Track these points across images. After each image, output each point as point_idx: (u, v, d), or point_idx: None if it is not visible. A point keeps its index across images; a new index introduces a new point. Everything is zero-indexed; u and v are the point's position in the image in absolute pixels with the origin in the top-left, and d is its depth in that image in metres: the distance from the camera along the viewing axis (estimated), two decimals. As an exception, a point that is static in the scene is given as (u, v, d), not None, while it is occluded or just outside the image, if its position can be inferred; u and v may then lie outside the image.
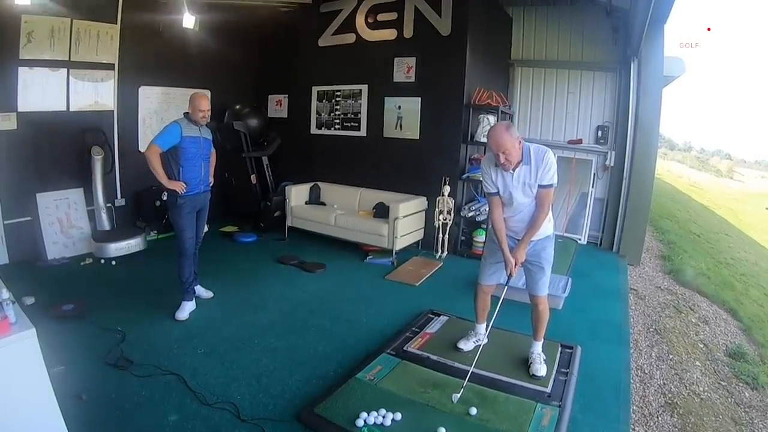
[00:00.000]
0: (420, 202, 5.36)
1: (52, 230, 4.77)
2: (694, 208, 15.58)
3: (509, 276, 2.69)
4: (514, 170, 2.53)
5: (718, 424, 3.09)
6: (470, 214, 5.38)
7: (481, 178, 2.84)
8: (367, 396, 2.47)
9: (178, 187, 3.35)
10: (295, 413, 2.36)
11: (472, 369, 2.59)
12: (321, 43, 6.09)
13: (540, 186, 2.53)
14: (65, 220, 4.87)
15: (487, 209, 3.03)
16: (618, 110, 5.93)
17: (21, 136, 4.52)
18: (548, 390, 2.60)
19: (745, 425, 3.17)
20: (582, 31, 6.08)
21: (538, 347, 2.85)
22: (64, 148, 4.88)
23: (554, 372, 2.78)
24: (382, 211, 5.25)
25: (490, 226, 2.90)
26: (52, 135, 4.75)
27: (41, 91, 4.66)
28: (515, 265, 2.63)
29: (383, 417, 2.28)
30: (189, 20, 5.03)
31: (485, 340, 3.08)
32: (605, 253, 5.91)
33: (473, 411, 2.36)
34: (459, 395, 2.47)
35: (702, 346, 4.26)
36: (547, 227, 2.71)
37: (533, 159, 2.50)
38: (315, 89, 6.29)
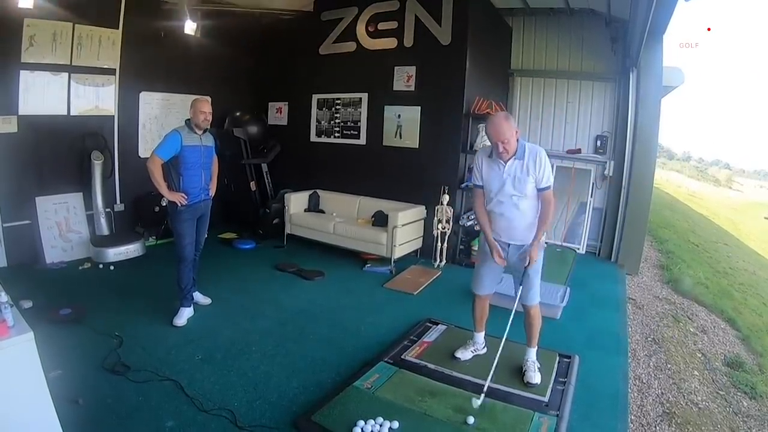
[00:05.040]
0: (419, 211, 5.36)
1: (51, 234, 4.77)
2: (693, 218, 15.62)
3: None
4: (506, 162, 2.58)
5: (716, 434, 3.09)
6: (469, 223, 5.38)
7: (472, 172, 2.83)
8: (365, 404, 2.47)
9: (179, 199, 3.36)
10: (292, 420, 2.35)
11: (488, 382, 2.53)
12: (322, 51, 6.13)
13: (539, 190, 2.58)
14: (64, 224, 4.87)
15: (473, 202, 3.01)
16: (617, 120, 5.96)
17: (21, 139, 4.54)
18: (546, 399, 2.60)
19: (743, 435, 3.17)
20: (581, 42, 6.13)
21: (532, 354, 2.85)
22: (64, 152, 4.89)
23: (552, 381, 2.77)
24: (380, 220, 5.25)
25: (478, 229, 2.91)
26: (52, 139, 4.77)
27: (42, 95, 4.68)
28: (530, 262, 2.62)
29: (380, 425, 2.28)
30: (190, 27, 5.09)
31: (485, 350, 3.08)
32: (604, 262, 5.91)
33: (471, 420, 2.35)
34: (479, 400, 2.44)
35: (700, 355, 4.26)
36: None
37: (527, 155, 2.56)
38: (315, 97, 6.31)
